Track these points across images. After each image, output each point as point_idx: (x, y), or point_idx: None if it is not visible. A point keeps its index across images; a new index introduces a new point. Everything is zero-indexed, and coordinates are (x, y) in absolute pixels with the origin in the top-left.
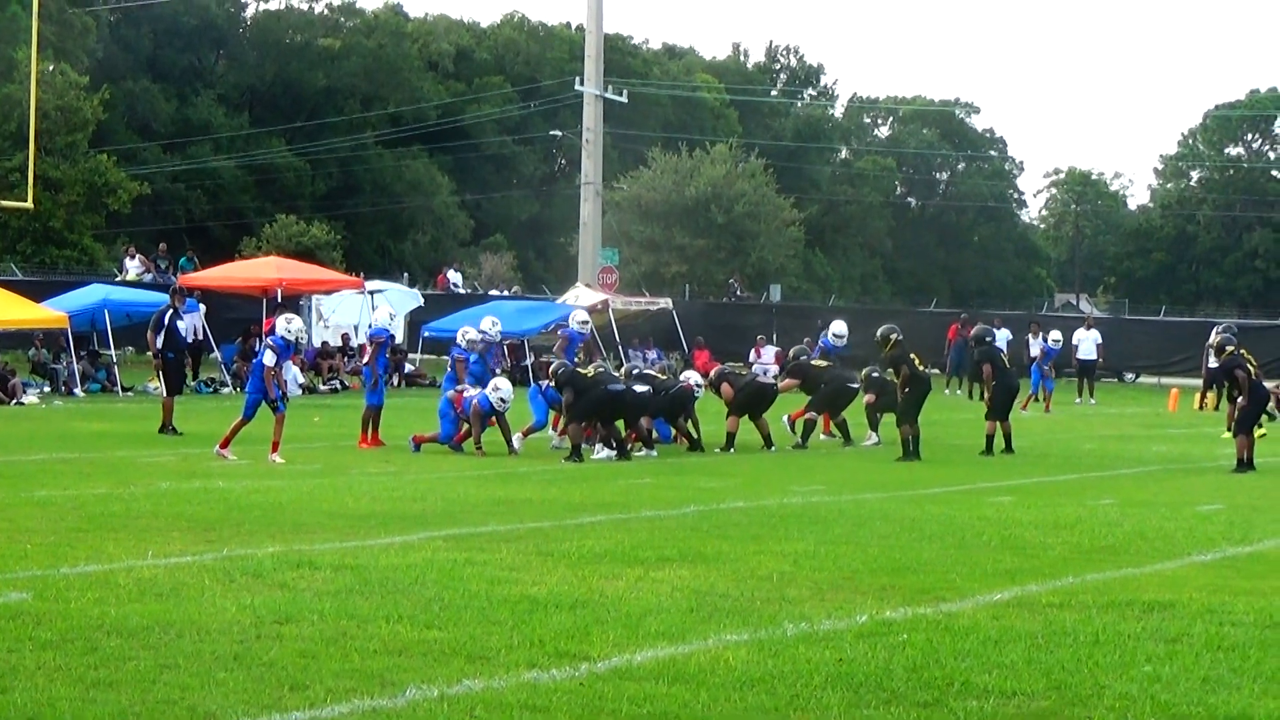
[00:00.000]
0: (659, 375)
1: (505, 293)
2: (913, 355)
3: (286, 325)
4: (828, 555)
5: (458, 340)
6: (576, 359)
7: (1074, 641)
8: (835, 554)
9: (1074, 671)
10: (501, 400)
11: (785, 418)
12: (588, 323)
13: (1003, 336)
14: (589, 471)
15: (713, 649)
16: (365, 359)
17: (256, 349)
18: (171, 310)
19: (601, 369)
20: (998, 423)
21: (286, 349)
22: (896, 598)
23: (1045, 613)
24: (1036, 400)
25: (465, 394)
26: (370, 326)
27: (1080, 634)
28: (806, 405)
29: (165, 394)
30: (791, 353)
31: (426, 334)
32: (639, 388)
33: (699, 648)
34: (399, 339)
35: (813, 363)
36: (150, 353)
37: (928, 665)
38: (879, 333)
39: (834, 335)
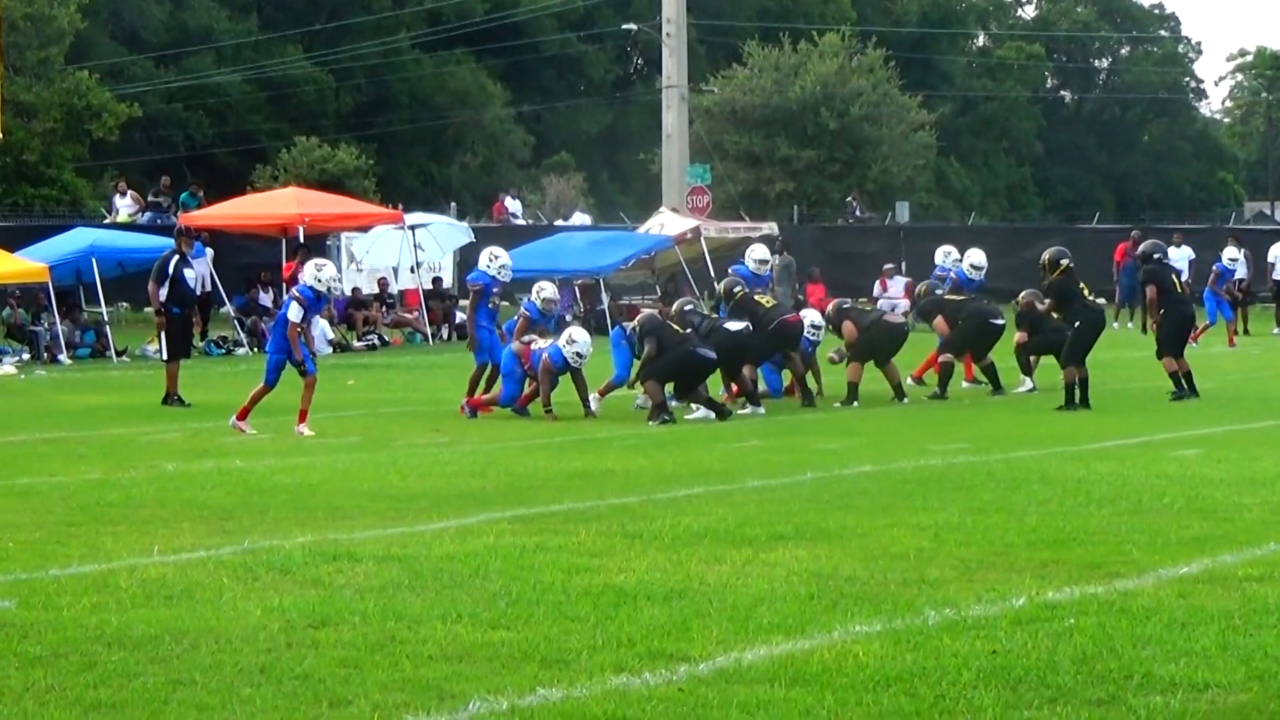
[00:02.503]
0: (762, 303)
1: (575, 222)
2: (1082, 285)
3: (316, 274)
4: (975, 527)
5: (531, 296)
6: (759, 296)
7: (1278, 622)
8: (984, 525)
9: (1279, 658)
10: (577, 354)
11: (910, 378)
12: (767, 262)
13: (1183, 255)
14: (683, 435)
15: (839, 643)
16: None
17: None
18: (178, 257)
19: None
20: (1174, 358)
21: (316, 302)
22: (1060, 575)
23: (1242, 588)
24: (1211, 328)
25: (534, 345)
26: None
27: None
28: (940, 347)
29: (168, 358)
30: (922, 287)
31: None
32: (732, 325)
33: (822, 642)
34: (447, 282)
35: (947, 296)
36: (152, 308)
37: (1100, 655)
38: (1045, 256)
39: (971, 266)
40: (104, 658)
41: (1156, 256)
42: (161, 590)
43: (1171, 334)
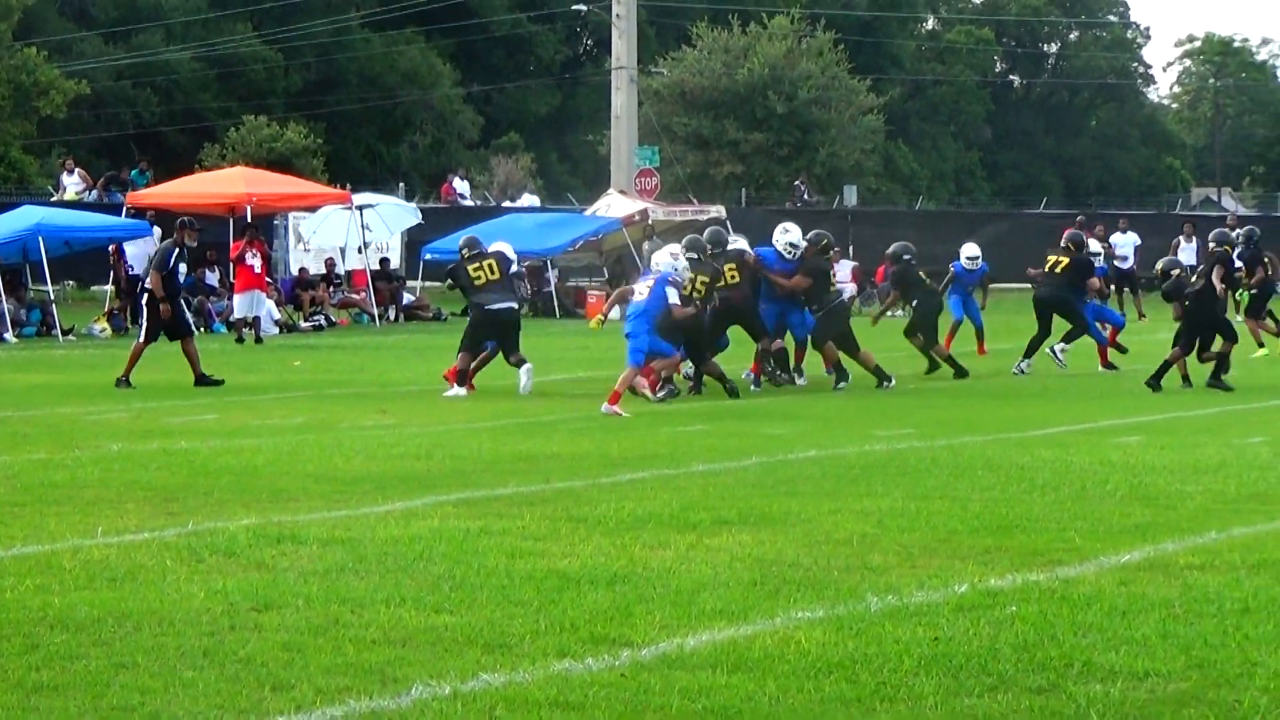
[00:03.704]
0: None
1: (523, 204)
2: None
3: (674, 262)
4: (919, 513)
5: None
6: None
7: (1218, 611)
8: (928, 511)
9: (1219, 647)
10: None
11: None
12: (798, 247)
13: (1129, 241)
14: (628, 419)
15: (781, 629)
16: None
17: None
18: (179, 249)
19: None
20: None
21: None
22: (1003, 562)
23: (1183, 576)
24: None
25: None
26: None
27: (1226, 601)
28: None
29: (141, 339)
30: (894, 250)
31: (428, 257)
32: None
33: (765, 628)
34: (394, 263)
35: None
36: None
37: (1041, 643)
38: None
39: (966, 259)
40: (47, 640)
41: (906, 258)
42: (105, 572)
43: (925, 322)
